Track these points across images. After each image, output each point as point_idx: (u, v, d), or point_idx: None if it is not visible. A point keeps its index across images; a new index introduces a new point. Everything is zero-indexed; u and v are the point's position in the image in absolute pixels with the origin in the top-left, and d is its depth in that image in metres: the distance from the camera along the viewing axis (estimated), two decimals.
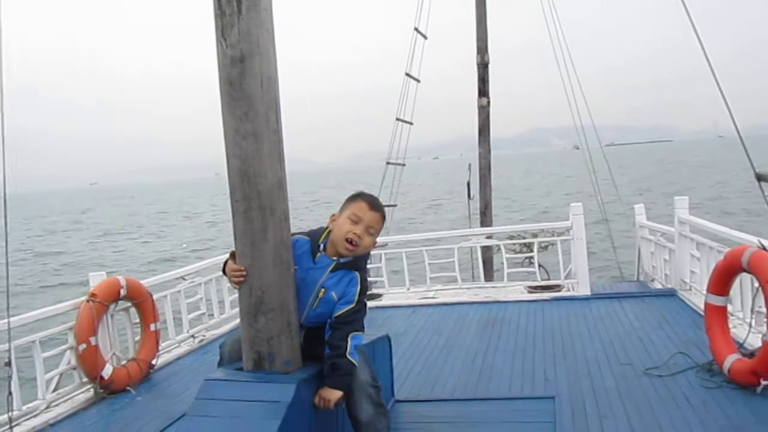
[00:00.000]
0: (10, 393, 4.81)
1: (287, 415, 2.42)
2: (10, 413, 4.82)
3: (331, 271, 2.82)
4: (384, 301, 8.53)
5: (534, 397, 4.18)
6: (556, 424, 3.62)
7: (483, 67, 11.11)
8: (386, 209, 9.40)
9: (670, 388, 4.64)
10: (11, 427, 4.82)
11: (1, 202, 3.48)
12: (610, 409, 4.40)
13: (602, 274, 14.11)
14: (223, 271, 2.88)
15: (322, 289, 2.79)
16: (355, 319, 2.78)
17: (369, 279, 8.76)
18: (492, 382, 5.07)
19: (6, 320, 4.85)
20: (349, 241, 2.82)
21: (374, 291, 8.83)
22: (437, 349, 6.21)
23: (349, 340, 2.73)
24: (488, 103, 11.16)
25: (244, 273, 2.63)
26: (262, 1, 2.59)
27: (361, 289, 2.83)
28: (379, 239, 8.79)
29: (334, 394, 2.71)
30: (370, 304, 8.31)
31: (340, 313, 2.77)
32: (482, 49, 11.09)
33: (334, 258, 2.84)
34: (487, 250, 9.81)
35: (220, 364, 2.97)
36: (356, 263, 2.88)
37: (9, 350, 4.83)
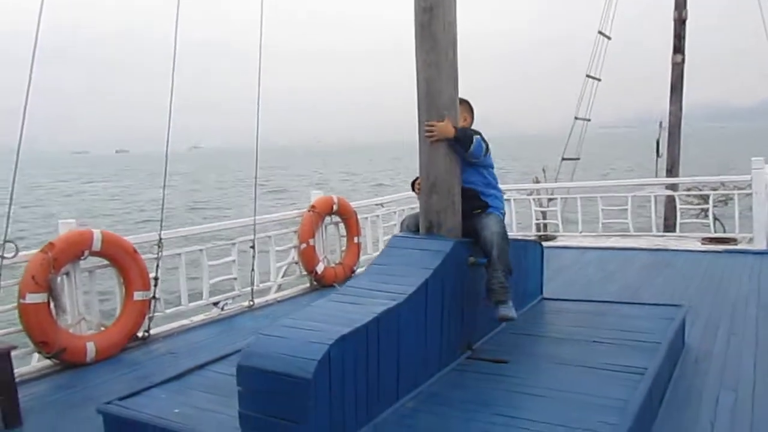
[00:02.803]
0: (252, 269, 6.47)
1: (445, 259, 3.46)
2: (252, 286, 6.50)
3: None
4: (558, 242, 9.23)
5: (666, 304, 4.78)
6: (678, 323, 4.23)
7: (680, 23, 11.00)
8: (570, 162, 10.04)
9: None
10: (252, 298, 6.49)
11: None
12: (743, 329, 4.86)
13: None
14: (412, 187, 4.09)
15: None
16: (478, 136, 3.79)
17: (546, 221, 9.54)
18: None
19: (253, 217, 6.50)
20: None
21: (548, 233, 9.56)
22: (596, 279, 6.89)
23: (476, 136, 3.76)
24: (683, 60, 11.06)
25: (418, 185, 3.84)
26: None
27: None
28: (556, 185, 9.56)
29: (449, 127, 3.65)
30: (545, 244, 9.17)
31: None
32: (680, 4, 10.99)
33: None
34: (666, 204, 9.99)
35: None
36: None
37: (253, 238, 6.47)
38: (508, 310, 3.73)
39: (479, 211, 3.88)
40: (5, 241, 4.41)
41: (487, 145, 3.86)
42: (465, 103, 4.01)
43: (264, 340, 2.82)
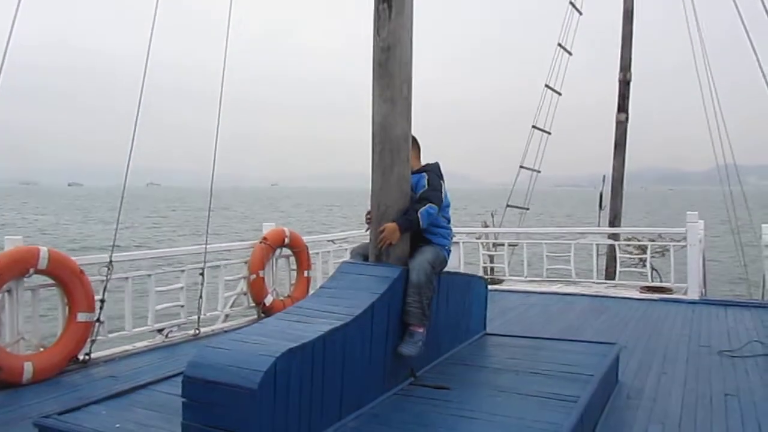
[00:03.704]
0: (201, 297, 6.44)
1: (392, 285, 3.58)
2: (198, 314, 6.46)
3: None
4: (503, 286, 9.47)
5: (601, 342, 4.99)
6: (612, 359, 4.42)
7: (625, 84, 11.68)
8: (518, 211, 10.29)
9: (736, 364, 5.23)
10: (198, 327, 6.44)
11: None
12: (673, 369, 5.11)
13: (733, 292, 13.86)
14: (367, 219, 4.17)
15: None
16: (429, 196, 3.94)
17: (493, 265, 9.75)
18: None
19: (204, 245, 6.51)
20: None
21: (496, 277, 9.81)
22: (538, 320, 7.11)
23: (423, 207, 3.88)
24: (626, 118, 11.70)
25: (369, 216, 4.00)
26: (405, 9, 3.81)
27: (428, 179, 4.02)
28: (505, 229, 9.75)
29: (393, 226, 3.80)
30: (491, 287, 9.35)
31: (419, 192, 3.98)
32: (625, 67, 11.67)
33: None
34: (608, 253, 10.40)
35: None
36: (425, 170, 4.11)
37: (203, 266, 6.47)
38: (410, 348, 3.72)
39: (422, 244, 4.02)
40: None
41: (439, 194, 4.01)
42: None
43: (211, 351, 2.87)
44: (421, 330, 3.80)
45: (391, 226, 3.81)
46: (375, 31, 3.84)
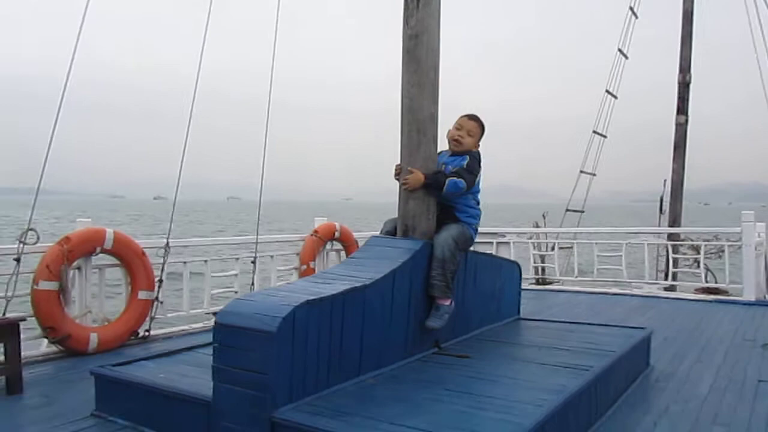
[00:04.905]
0: (252, 284, 6.82)
1: (414, 256, 3.80)
2: None
3: (450, 156, 4.27)
4: (553, 286, 9.48)
5: (632, 326, 5.02)
6: (638, 341, 4.47)
7: (684, 86, 11.48)
8: (575, 214, 10.30)
9: None
10: None
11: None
12: (710, 359, 5.08)
13: None
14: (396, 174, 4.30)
15: (443, 165, 4.18)
16: (462, 173, 4.08)
17: (545, 265, 9.75)
18: None
19: (255, 236, 6.89)
20: (455, 141, 4.28)
21: (546, 277, 9.82)
22: (583, 315, 7.12)
23: (455, 178, 4.05)
24: (686, 121, 11.49)
25: (398, 170, 4.14)
26: (433, 0, 4.06)
27: (468, 162, 4.15)
28: (555, 229, 9.77)
29: (419, 175, 3.97)
30: (541, 287, 9.35)
31: (453, 170, 4.14)
32: (685, 68, 11.48)
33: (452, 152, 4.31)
34: (663, 253, 10.23)
35: None
36: (468, 154, 4.24)
37: (254, 254, 6.85)
38: (435, 321, 3.93)
39: (450, 222, 4.21)
40: (28, 229, 4.87)
41: (474, 178, 4.15)
42: (474, 120, 4.32)
43: (240, 303, 3.18)
44: (446, 303, 4.00)
45: (418, 174, 4.01)
46: (404, 21, 4.10)
